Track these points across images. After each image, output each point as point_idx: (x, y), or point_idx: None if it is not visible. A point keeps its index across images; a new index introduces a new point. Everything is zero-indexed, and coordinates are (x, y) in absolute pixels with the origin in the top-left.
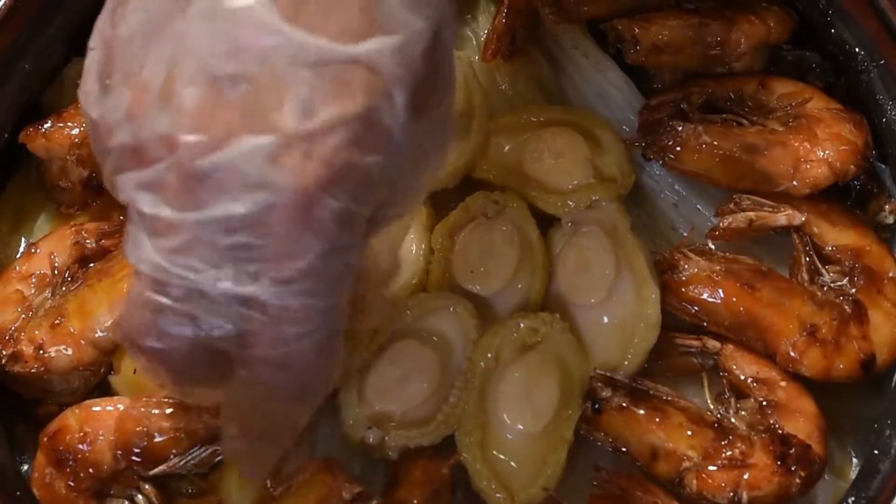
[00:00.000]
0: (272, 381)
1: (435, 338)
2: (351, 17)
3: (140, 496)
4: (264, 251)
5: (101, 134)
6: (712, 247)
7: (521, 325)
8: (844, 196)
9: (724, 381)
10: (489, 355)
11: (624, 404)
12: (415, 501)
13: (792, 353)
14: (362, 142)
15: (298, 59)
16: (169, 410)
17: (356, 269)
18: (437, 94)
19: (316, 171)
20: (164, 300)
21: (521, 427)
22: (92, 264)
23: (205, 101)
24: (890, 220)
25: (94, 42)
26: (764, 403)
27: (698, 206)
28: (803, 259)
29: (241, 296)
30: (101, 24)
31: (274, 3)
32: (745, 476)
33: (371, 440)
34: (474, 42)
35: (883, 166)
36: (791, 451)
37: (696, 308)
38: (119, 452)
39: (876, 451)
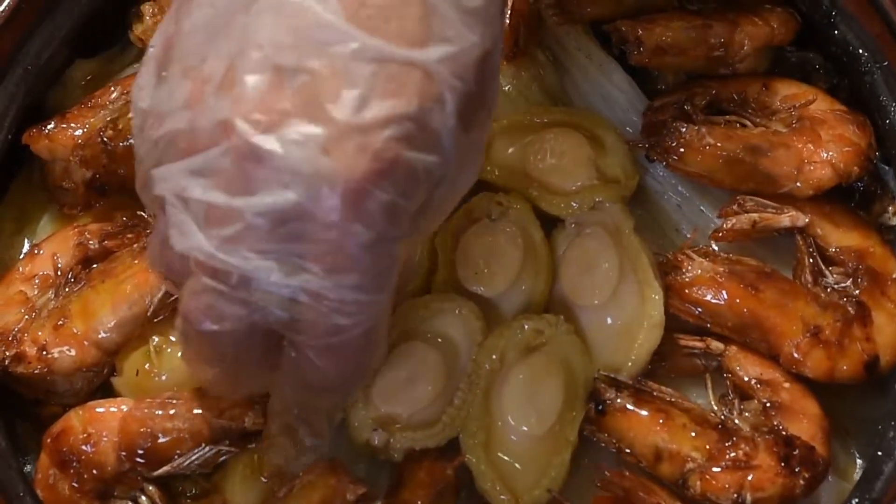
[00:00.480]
0: (319, 369)
1: (440, 340)
2: (410, 24)
3: (144, 497)
4: (315, 241)
5: (150, 124)
6: (715, 248)
7: (526, 326)
8: (848, 197)
9: (728, 383)
10: (494, 357)
11: (627, 405)
12: (419, 503)
13: (795, 355)
14: (413, 140)
15: (358, 55)
16: (172, 411)
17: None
18: (484, 110)
19: (367, 163)
20: (220, 286)
21: (525, 429)
22: (95, 265)
23: (265, 88)
24: (894, 221)
25: (156, 40)
26: (767, 405)
27: (702, 208)
28: (807, 260)
29: (293, 286)
30: (165, 24)
31: (339, 1)
32: (749, 477)
33: (376, 442)
34: None
35: (886, 168)
36: (795, 453)
37: (699, 309)
38: (123, 453)
39: (879, 453)
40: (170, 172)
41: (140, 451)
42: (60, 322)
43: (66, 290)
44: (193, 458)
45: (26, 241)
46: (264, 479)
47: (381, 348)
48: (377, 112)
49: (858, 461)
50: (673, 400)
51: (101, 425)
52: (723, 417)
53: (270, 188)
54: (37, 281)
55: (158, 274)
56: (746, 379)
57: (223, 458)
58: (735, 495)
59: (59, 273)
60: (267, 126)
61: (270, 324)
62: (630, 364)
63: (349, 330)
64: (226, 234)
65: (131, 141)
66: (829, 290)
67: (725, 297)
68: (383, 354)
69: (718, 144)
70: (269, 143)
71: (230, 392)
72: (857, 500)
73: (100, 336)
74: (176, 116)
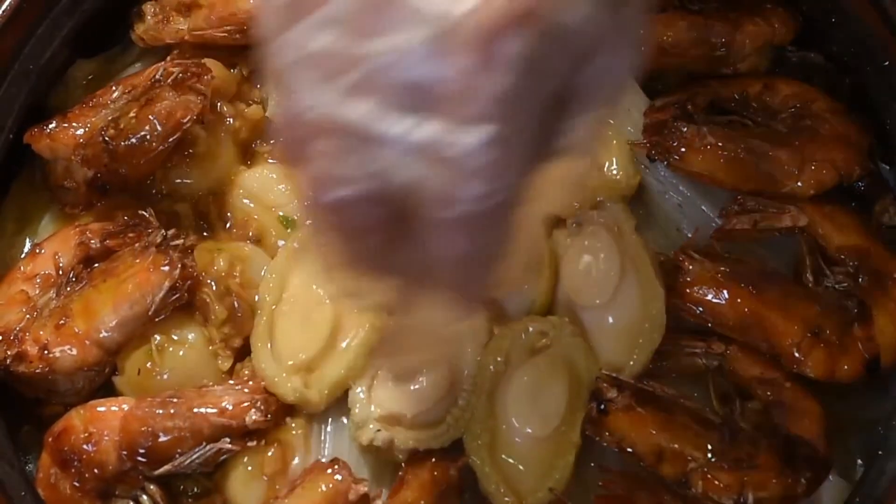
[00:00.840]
0: (445, 252)
1: None
2: None
3: (145, 496)
4: (444, 88)
5: None
6: (717, 248)
7: (530, 328)
8: (849, 197)
9: (729, 382)
10: (498, 359)
11: (629, 405)
12: (422, 503)
13: (797, 355)
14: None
15: None
16: (173, 410)
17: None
18: None
19: (504, 3)
20: (346, 144)
21: (529, 431)
22: (96, 265)
23: None
24: (894, 221)
25: None
26: (769, 404)
27: (703, 207)
28: (808, 260)
29: (421, 140)
30: None
31: None
32: (751, 477)
33: (379, 442)
34: None
35: (887, 168)
36: (796, 453)
37: (700, 309)
38: (124, 452)
39: (881, 452)
40: (298, 32)
41: (141, 450)
42: (62, 321)
43: (68, 289)
44: (194, 456)
45: (28, 240)
46: (265, 478)
47: (512, 243)
48: None
49: (859, 461)
50: (675, 399)
51: (102, 424)
52: (724, 417)
53: (397, 30)
54: (38, 280)
55: (286, 157)
56: (747, 378)
57: (224, 456)
58: (737, 495)
59: (60, 272)
60: None
61: (399, 190)
62: (632, 364)
63: (482, 199)
64: (349, 82)
65: (132, 140)
66: (830, 289)
67: (726, 296)
68: (516, 273)
69: (719, 144)
70: None
71: (356, 276)
72: (858, 499)
73: (101, 335)
74: None
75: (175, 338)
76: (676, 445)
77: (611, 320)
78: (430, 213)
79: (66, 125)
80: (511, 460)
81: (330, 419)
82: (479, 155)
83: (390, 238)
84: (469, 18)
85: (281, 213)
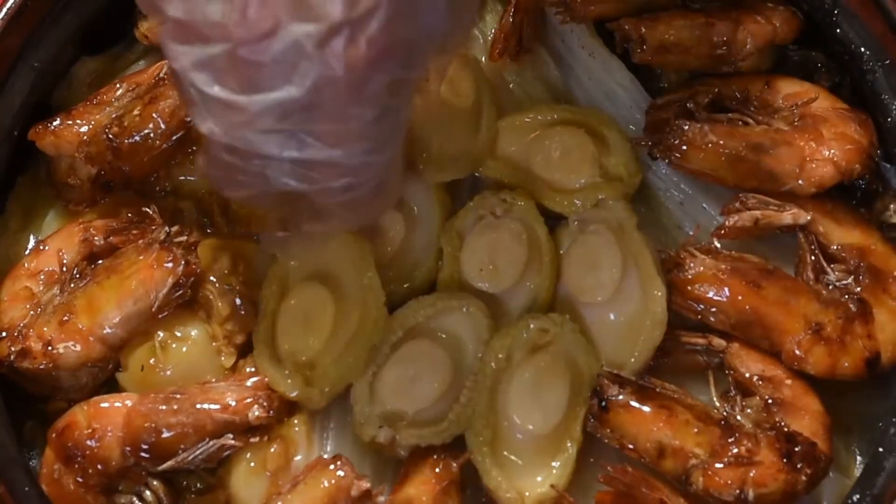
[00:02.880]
0: (341, 216)
1: (447, 338)
2: None
3: (148, 492)
4: (321, 125)
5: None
6: (718, 245)
7: (532, 325)
8: (850, 195)
9: (730, 379)
10: (500, 356)
11: (630, 402)
12: (424, 499)
13: (797, 352)
14: (405, 17)
15: None
16: (176, 406)
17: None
18: None
19: (363, 52)
20: (237, 161)
21: (531, 427)
22: (100, 261)
23: None
24: (895, 218)
25: None
26: (769, 401)
27: (704, 205)
28: (809, 258)
29: (305, 160)
30: None
31: None
32: (752, 473)
33: (382, 439)
34: (482, 41)
35: (888, 165)
36: (797, 449)
37: (701, 306)
38: (127, 448)
39: (881, 449)
40: (177, 54)
41: (144, 446)
42: (66, 318)
43: (72, 286)
44: (197, 452)
45: (32, 237)
46: (268, 474)
47: (396, 191)
48: (366, 3)
49: (859, 457)
50: (676, 396)
51: (105, 420)
52: (725, 414)
53: (273, 86)
54: (42, 277)
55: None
56: (748, 376)
57: (227, 452)
58: (737, 491)
59: (64, 269)
60: (261, 34)
61: (287, 187)
62: (633, 360)
63: (362, 186)
64: (234, 121)
65: (136, 138)
66: (830, 287)
67: (727, 294)
68: (400, 193)
69: (721, 142)
70: (266, 48)
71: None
72: (857, 496)
73: (105, 332)
74: (174, 2)
75: (178, 334)
76: (677, 442)
77: (612, 317)
78: (320, 199)
79: (70, 122)
80: (512, 456)
81: (332, 416)
82: (355, 162)
83: (288, 199)
84: (338, 68)
85: None
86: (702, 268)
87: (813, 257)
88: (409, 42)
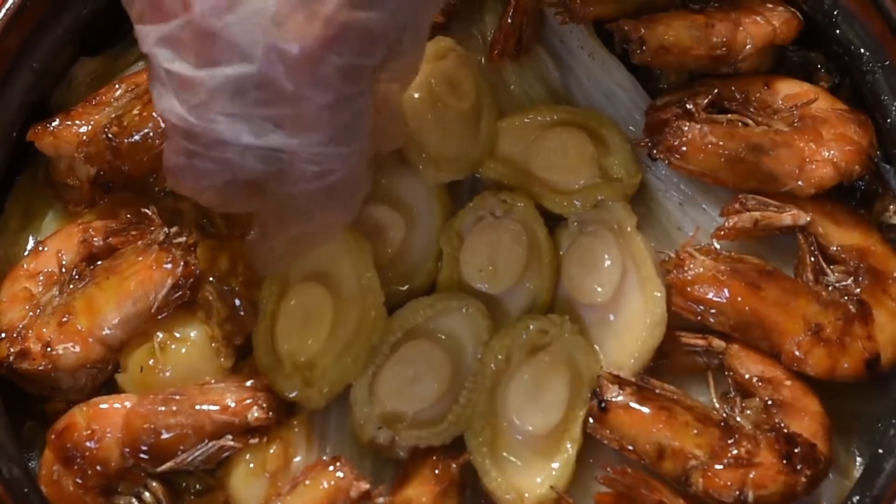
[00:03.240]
0: (303, 209)
1: (447, 338)
2: None
3: (147, 493)
4: (277, 105)
5: None
6: (717, 246)
7: (531, 326)
8: (849, 196)
9: (730, 381)
10: (499, 357)
11: (630, 403)
12: (423, 500)
13: (797, 353)
14: (361, 1)
15: None
16: (176, 407)
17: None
18: None
19: (319, 30)
20: (195, 147)
21: (530, 428)
22: (99, 262)
23: None
24: (894, 219)
25: None
26: (769, 402)
27: (704, 206)
28: (808, 259)
29: (263, 146)
30: None
31: None
32: (751, 475)
33: (381, 440)
34: (481, 42)
35: (887, 166)
36: (796, 451)
37: (701, 307)
38: (126, 450)
39: (880, 450)
40: (145, 34)
41: (144, 447)
42: (65, 319)
43: (71, 286)
44: (197, 453)
45: (31, 238)
46: (267, 476)
47: (362, 188)
48: None
49: (859, 459)
50: (675, 397)
51: (104, 421)
52: (725, 415)
53: (230, 60)
54: (41, 278)
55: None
56: (748, 377)
57: (226, 454)
58: (737, 493)
59: (63, 270)
60: (220, 4)
61: (249, 177)
62: (632, 361)
63: (324, 177)
64: (194, 101)
65: (136, 137)
66: (830, 288)
67: (727, 295)
68: (367, 192)
69: (720, 143)
70: (224, 19)
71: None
72: (857, 497)
73: (104, 333)
74: None
75: (177, 335)
76: (677, 443)
77: (612, 318)
78: (281, 188)
79: (69, 123)
80: (512, 457)
81: (332, 416)
82: (315, 152)
83: (246, 201)
84: (290, 45)
85: None
86: (701, 269)
87: (812, 258)
88: (367, 26)
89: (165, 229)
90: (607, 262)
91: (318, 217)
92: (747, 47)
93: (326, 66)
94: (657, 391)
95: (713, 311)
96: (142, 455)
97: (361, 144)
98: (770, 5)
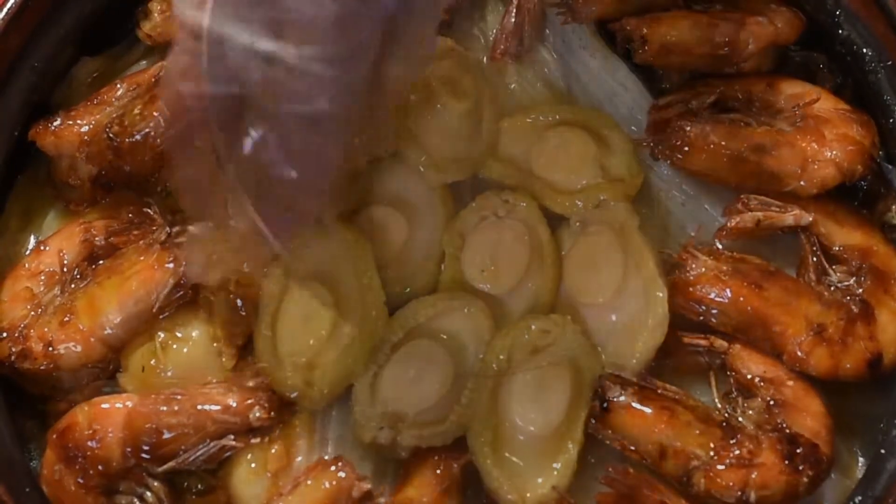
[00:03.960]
0: (281, 156)
1: (448, 339)
2: None
3: (149, 493)
4: (286, 10)
5: None
6: (720, 246)
7: (533, 326)
8: (852, 196)
9: (732, 381)
10: (501, 357)
11: (632, 403)
12: (425, 500)
13: (799, 353)
14: None
15: None
16: (177, 407)
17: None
18: None
19: None
20: (200, 46)
21: (532, 428)
22: (101, 262)
23: None
24: None
25: None
26: (771, 402)
27: (706, 206)
28: (810, 259)
29: (265, 50)
30: None
31: None
32: (753, 475)
33: (383, 440)
34: (483, 41)
35: (890, 167)
36: (798, 451)
37: (703, 307)
38: (128, 449)
39: (882, 450)
40: None
41: (145, 447)
42: (66, 318)
43: (72, 286)
44: (198, 453)
45: (32, 237)
46: (269, 475)
47: (350, 140)
48: None
49: (861, 459)
50: (677, 397)
51: (106, 421)
52: (727, 415)
53: None
54: (43, 277)
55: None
56: (750, 377)
57: (228, 453)
58: (739, 493)
59: (64, 269)
60: None
61: (240, 91)
62: (634, 361)
63: (315, 100)
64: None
65: (137, 136)
66: (832, 288)
67: (729, 295)
68: (341, 204)
69: (723, 143)
70: None
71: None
72: (859, 497)
73: (105, 332)
74: None
75: (179, 335)
76: (679, 443)
77: (613, 318)
78: (274, 107)
79: (70, 122)
80: (514, 458)
81: (333, 416)
82: (314, 68)
83: (229, 141)
84: None
85: None
86: (703, 269)
87: (815, 258)
88: None
89: (167, 229)
90: (609, 262)
91: (291, 173)
92: (750, 47)
93: None
94: (659, 391)
95: (715, 311)
96: (143, 455)
97: (359, 83)
98: (773, 5)
